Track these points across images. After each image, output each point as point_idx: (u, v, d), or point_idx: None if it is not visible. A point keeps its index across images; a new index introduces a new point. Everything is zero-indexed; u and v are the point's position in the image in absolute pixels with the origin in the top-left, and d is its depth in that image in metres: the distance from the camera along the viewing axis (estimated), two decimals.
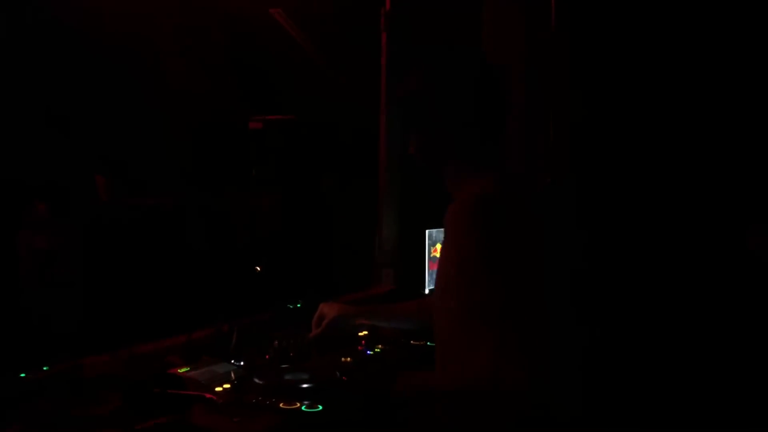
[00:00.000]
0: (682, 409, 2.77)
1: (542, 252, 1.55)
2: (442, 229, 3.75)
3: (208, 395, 1.93)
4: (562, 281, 1.61)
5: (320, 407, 1.87)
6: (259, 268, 2.86)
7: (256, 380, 2.04)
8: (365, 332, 2.72)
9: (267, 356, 2.29)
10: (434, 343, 1.62)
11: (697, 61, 3.26)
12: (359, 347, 2.51)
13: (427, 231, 3.44)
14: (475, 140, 1.63)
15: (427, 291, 3.40)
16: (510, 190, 1.59)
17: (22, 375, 1.96)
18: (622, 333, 2.82)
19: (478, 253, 1.45)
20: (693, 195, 3.23)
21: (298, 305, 2.95)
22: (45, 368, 2.01)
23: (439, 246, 3.54)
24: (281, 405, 1.88)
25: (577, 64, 3.45)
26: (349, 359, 2.36)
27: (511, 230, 1.49)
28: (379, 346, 2.53)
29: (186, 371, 2.07)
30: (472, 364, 1.43)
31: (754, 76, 3.14)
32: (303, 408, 1.87)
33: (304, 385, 2.03)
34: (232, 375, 2.08)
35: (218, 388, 1.99)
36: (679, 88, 3.30)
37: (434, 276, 3.47)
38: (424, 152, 1.70)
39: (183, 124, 3.53)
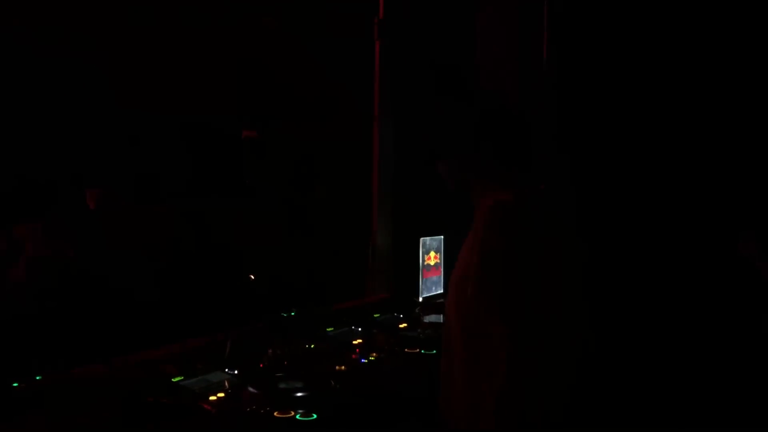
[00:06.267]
0: (678, 411, 2.79)
1: (556, 255, 1.71)
2: (437, 237, 3.75)
3: (202, 404, 1.92)
4: (568, 284, 1.73)
5: (314, 416, 1.87)
6: (252, 277, 2.85)
7: (251, 389, 2.04)
8: (359, 340, 2.72)
9: (261, 365, 2.28)
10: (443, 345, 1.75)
11: (687, 75, 3.29)
12: (353, 355, 2.50)
13: (420, 239, 3.45)
14: (497, 168, 1.80)
15: (420, 299, 3.40)
16: (525, 200, 1.76)
17: (15, 384, 1.95)
18: (621, 334, 2.84)
19: (498, 250, 1.65)
20: (685, 202, 3.24)
21: (292, 313, 2.94)
22: (38, 378, 2.00)
23: (432, 254, 3.55)
24: (276, 414, 1.87)
25: (568, 75, 3.47)
26: (343, 367, 2.35)
27: (526, 234, 1.67)
28: (373, 354, 2.53)
29: (180, 380, 2.06)
30: (486, 359, 1.59)
31: (744, 88, 3.17)
32: (297, 417, 1.87)
33: (299, 394, 2.03)
34: (226, 384, 2.07)
35: (212, 397, 1.98)
36: (674, 96, 3.32)
37: (428, 284, 3.49)
38: (452, 176, 1.87)
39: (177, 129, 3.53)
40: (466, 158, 1.82)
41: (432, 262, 3.55)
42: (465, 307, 1.67)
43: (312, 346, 2.55)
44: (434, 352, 2.61)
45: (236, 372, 2.19)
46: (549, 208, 1.80)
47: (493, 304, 1.61)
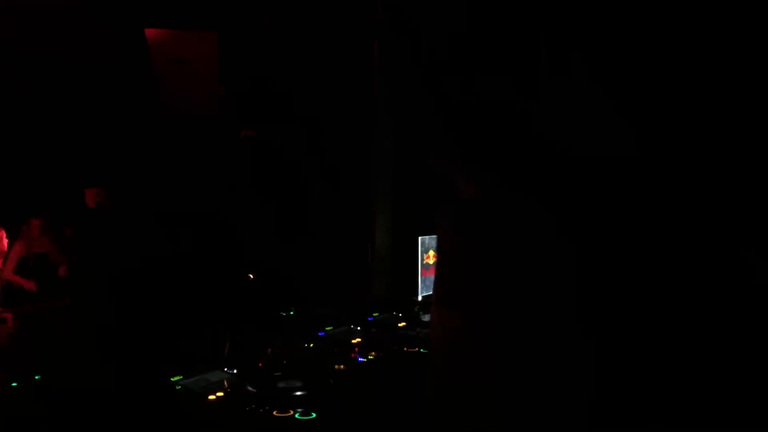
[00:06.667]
0: (677, 411, 2.79)
1: (550, 255, 1.66)
2: (435, 236, 3.74)
3: (201, 404, 1.92)
4: (560, 286, 1.68)
5: (313, 415, 1.87)
6: (252, 277, 2.86)
7: (249, 388, 2.04)
8: (358, 339, 2.72)
9: (260, 364, 2.28)
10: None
11: (688, 73, 3.29)
12: (352, 354, 2.50)
13: (419, 238, 3.45)
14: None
15: (420, 298, 3.40)
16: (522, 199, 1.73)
17: (14, 384, 1.96)
18: (620, 335, 2.84)
19: (484, 249, 1.61)
20: (684, 201, 3.24)
21: (291, 313, 2.95)
22: (36, 377, 2.01)
23: (431, 253, 3.55)
24: (275, 413, 1.87)
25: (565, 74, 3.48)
26: (342, 366, 2.35)
27: (520, 233, 1.64)
28: (372, 353, 2.53)
29: (179, 379, 2.07)
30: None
31: (744, 90, 3.18)
32: (296, 416, 1.87)
33: (298, 393, 2.03)
34: (226, 383, 2.08)
35: (211, 396, 1.98)
36: (673, 95, 3.32)
37: (427, 283, 3.49)
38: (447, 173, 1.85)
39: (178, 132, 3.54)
40: (460, 156, 1.82)
41: (431, 261, 3.55)
42: (452, 307, 1.65)
43: (311, 345, 2.55)
44: None
45: (235, 371, 2.19)
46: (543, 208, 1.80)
47: (479, 307, 1.59)
